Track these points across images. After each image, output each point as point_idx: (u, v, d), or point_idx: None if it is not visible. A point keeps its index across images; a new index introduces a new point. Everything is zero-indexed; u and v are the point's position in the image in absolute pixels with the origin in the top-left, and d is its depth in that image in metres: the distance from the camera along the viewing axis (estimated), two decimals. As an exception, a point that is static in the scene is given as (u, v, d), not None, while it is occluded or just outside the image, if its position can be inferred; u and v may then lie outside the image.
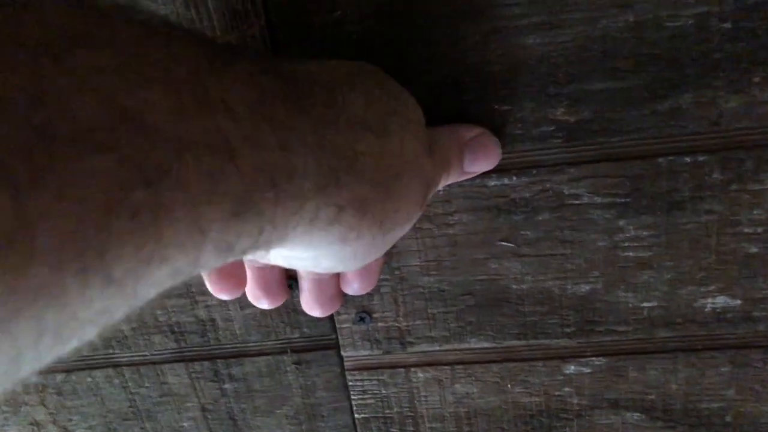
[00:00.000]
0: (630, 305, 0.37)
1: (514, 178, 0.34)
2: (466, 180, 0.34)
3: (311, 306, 0.36)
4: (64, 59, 0.15)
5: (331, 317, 0.40)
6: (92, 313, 0.16)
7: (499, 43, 0.31)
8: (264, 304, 0.36)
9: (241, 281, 0.36)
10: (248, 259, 0.34)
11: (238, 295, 0.36)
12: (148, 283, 0.17)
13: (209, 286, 0.35)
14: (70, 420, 0.45)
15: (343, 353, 0.41)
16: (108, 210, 0.15)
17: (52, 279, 0.14)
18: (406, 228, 0.30)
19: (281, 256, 0.29)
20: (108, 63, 0.16)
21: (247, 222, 0.20)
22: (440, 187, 0.33)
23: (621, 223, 0.35)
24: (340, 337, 0.40)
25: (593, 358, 0.39)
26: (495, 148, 0.33)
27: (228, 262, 0.22)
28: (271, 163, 0.21)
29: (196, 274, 0.20)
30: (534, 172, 0.34)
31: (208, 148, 0.18)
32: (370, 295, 0.38)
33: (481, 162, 0.33)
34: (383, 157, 0.27)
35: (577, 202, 0.35)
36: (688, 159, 0.33)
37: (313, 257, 0.28)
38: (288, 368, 0.42)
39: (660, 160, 0.33)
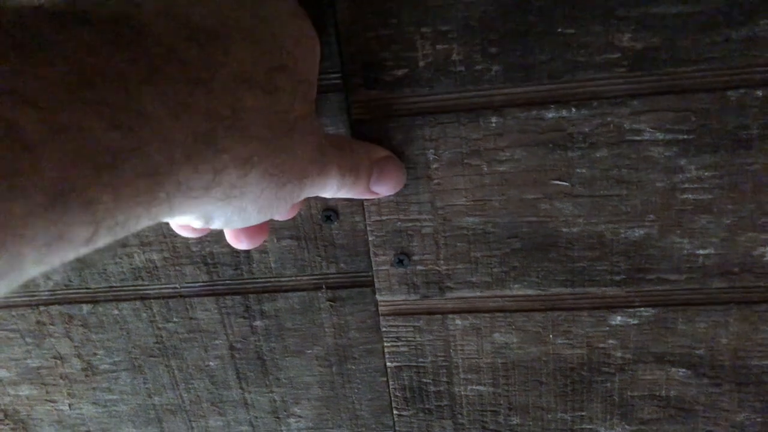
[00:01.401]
0: (684, 252, 0.35)
1: (573, 110, 0.33)
2: (522, 112, 0.33)
3: (237, 238, 0.33)
4: None
5: (368, 255, 0.38)
6: None
7: (569, -42, 0.30)
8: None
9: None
10: None
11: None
12: None
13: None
14: (95, 354, 0.44)
15: (378, 297, 0.40)
16: None
17: None
18: (308, 186, 0.29)
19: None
20: None
21: (75, 214, 0.18)
22: (342, 195, 0.33)
23: (682, 162, 0.33)
24: (376, 281, 0.39)
25: (641, 309, 0.37)
26: (401, 174, 0.34)
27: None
28: (95, 148, 0.18)
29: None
30: (594, 104, 0.32)
31: None
32: (410, 235, 0.37)
33: (384, 183, 0.34)
34: (271, 113, 0.25)
35: (637, 138, 0.33)
36: (759, 92, 0.31)
37: (203, 218, 0.26)
38: (321, 305, 0.41)
39: (729, 93, 0.31)
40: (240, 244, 0.33)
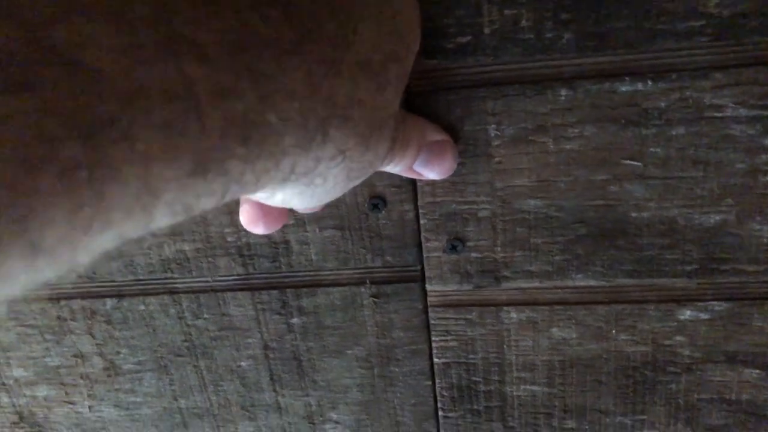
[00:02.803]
0: (765, 241, 0.33)
1: (650, 83, 0.30)
2: (594, 85, 0.30)
3: (254, 221, 0.30)
4: None
5: (419, 245, 0.36)
6: (15, 284, 0.14)
7: None
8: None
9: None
10: None
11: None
12: (87, 250, 0.15)
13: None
14: (118, 353, 0.41)
15: (428, 286, 0.37)
16: (28, 166, 0.13)
17: None
18: (369, 174, 0.28)
19: None
20: None
21: (209, 182, 0.18)
22: (384, 168, 0.30)
23: (767, 141, 0.31)
24: (426, 268, 0.36)
25: (713, 303, 0.35)
26: (451, 161, 0.32)
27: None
28: (244, 118, 0.18)
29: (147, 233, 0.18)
30: (673, 76, 0.30)
31: (167, 96, 0.15)
32: (465, 219, 0.34)
33: (432, 167, 0.31)
34: (376, 108, 0.24)
35: (719, 114, 0.30)
36: None
37: (269, 197, 0.26)
38: (365, 302, 0.38)
39: (825, 64, 0.29)
40: (256, 228, 0.30)
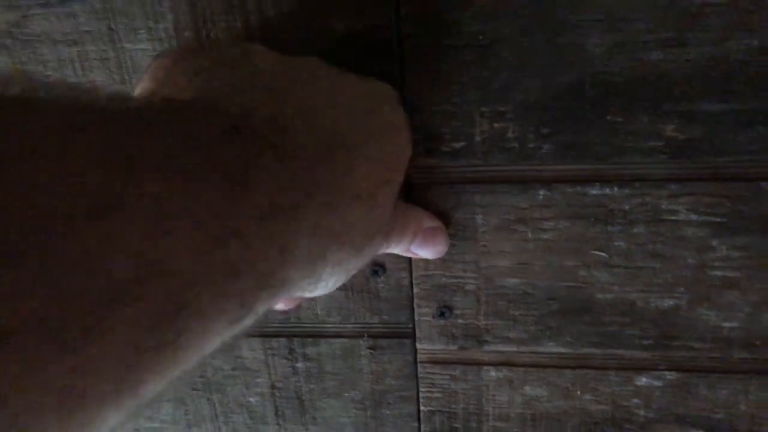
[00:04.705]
0: (711, 323, 0.38)
1: (616, 189, 0.35)
2: (568, 187, 0.36)
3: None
4: (102, 222, 0.16)
5: (412, 308, 0.41)
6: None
7: (624, 55, 0.32)
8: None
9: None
10: None
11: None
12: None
13: None
14: (140, 384, 0.46)
15: (418, 345, 0.42)
16: (134, 371, 0.17)
17: (98, 410, 0.16)
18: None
19: None
20: (138, 221, 0.17)
21: (237, 326, 0.21)
22: (384, 251, 0.34)
23: (714, 242, 0.36)
24: (417, 330, 0.41)
25: (666, 372, 0.40)
26: (443, 245, 0.37)
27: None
28: (269, 273, 0.22)
29: None
30: (636, 185, 0.35)
31: (221, 277, 0.19)
32: (453, 290, 0.40)
33: (426, 249, 0.36)
34: (367, 224, 0.28)
35: (673, 218, 0.36)
36: (791, 186, 0.34)
37: None
38: (362, 352, 0.43)
39: (763, 184, 0.34)
40: (276, 306, 0.35)
